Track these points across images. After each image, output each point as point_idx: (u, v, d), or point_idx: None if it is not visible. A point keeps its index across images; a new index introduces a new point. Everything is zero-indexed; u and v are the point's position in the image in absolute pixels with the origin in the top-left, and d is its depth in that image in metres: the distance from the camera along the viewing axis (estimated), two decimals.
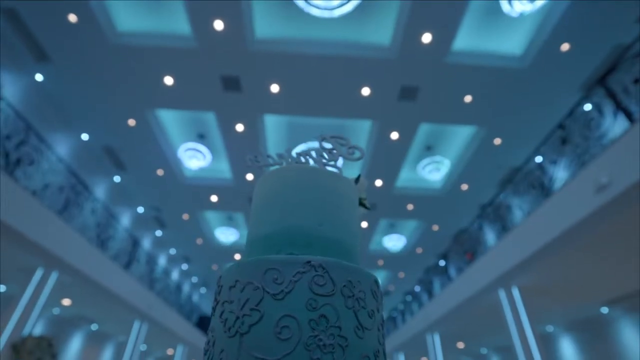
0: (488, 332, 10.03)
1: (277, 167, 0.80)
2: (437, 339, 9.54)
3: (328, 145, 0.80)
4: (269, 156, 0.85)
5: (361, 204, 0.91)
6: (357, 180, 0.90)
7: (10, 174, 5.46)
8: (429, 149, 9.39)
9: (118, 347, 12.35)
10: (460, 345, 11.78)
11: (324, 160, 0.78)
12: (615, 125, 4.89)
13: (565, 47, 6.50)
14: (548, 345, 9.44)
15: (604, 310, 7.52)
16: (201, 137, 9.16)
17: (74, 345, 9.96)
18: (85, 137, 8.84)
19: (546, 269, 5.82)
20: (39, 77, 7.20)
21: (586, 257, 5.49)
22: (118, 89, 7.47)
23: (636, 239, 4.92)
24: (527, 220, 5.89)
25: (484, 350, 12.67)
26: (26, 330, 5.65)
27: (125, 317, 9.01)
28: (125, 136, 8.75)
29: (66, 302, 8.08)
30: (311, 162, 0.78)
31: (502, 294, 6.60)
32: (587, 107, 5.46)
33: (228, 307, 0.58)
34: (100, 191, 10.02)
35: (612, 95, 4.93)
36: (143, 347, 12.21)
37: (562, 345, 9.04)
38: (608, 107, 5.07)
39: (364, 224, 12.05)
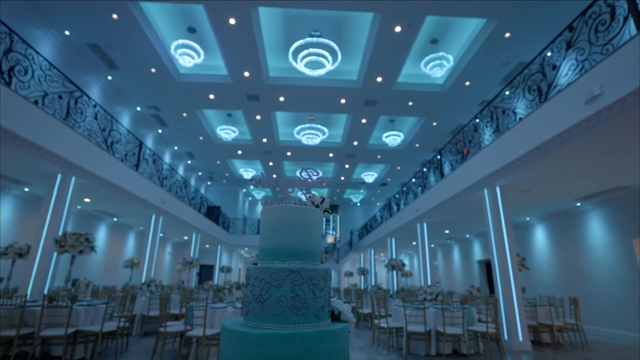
0: (471, 222, 11.38)
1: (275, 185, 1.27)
2: (425, 226, 10.91)
3: (305, 175, 1.26)
4: (268, 180, 1.30)
5: (325, 211, 1.41)
6: (323, 200, 1.37)
7: (8, 85, 5.64)
8: (434, 43, 9.12)
9: (140, 235, 14.15)
10: (447, 231, 13.44)
11: (304, 190, 1.27)
12: (622, 32, 4.81)
13: None
14: (524, 232, 10.87)
15: (577, 204, 8.49)
16: (192, 32, 8.85)
17: (101, 234, 11.50)
18: (67, 33, 8.57)
19: (528, 171, 6.42)
20: None
21: (566, 161, 6.00)
22: None
23: (615, 144, 5.34)
24: (518, 125, 6.22)
25: (467, 235, 14.49)
26: (60, 227, 6.66)
27: (142, 211, 10.19)
28: (110, 32, 8.52)
29: (87, 200, 9.08)
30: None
31: (485, 192, 7.41)
32: (602, 5, 5.22)
33: (254, 288, 1.17)
34: (95, 92, 10.14)
35: None
36: (161, 235, 13.98)
37: (536, 232, 10.43)
38: (621, 10, 4.88)
39: (363, 121, 12.42)
